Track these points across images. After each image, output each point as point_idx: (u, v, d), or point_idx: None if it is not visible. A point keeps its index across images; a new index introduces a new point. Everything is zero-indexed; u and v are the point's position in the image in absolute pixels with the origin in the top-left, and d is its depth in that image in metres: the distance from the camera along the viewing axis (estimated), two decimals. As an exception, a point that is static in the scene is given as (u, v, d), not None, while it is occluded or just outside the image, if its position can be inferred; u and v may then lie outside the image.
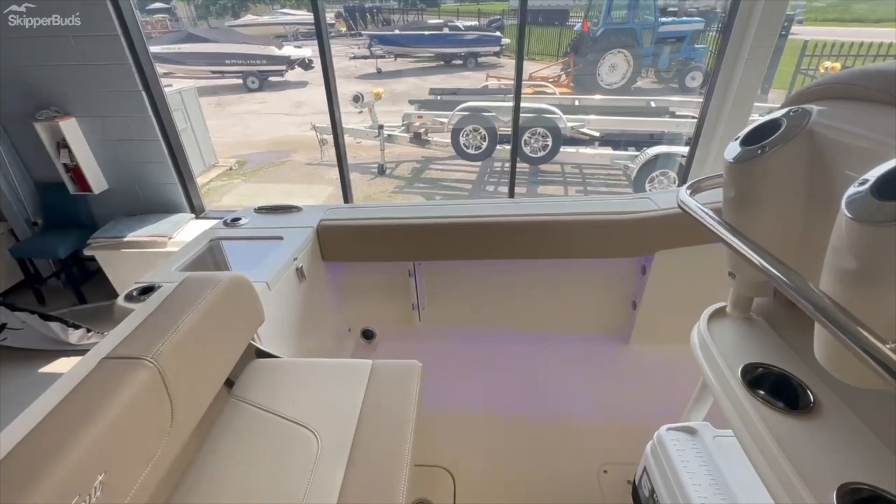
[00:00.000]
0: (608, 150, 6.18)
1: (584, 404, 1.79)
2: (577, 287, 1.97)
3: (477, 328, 2.10)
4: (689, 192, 0.80)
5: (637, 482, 1.26)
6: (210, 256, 1.64)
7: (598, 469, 1.53)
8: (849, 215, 0.49)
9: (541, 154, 6.30)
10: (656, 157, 5.39)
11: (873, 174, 0.49)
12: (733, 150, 0.72)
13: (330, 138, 6.82)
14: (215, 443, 1.08)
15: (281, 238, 1.67)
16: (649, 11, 9.87)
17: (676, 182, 5.52)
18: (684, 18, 10.64)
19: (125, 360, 0.86)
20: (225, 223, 1.80)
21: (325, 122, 6.79)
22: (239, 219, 1.82)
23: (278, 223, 1.79)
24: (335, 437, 1.08)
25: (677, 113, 6.50)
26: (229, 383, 1.25)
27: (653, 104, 6.97)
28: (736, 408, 0.81)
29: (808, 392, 0.78)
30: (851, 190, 0.50)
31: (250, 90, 11.03)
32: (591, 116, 6.36)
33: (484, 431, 1.70)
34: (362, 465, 1.03)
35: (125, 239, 2.87)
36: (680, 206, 0.79)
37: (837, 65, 6.21)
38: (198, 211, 3.31)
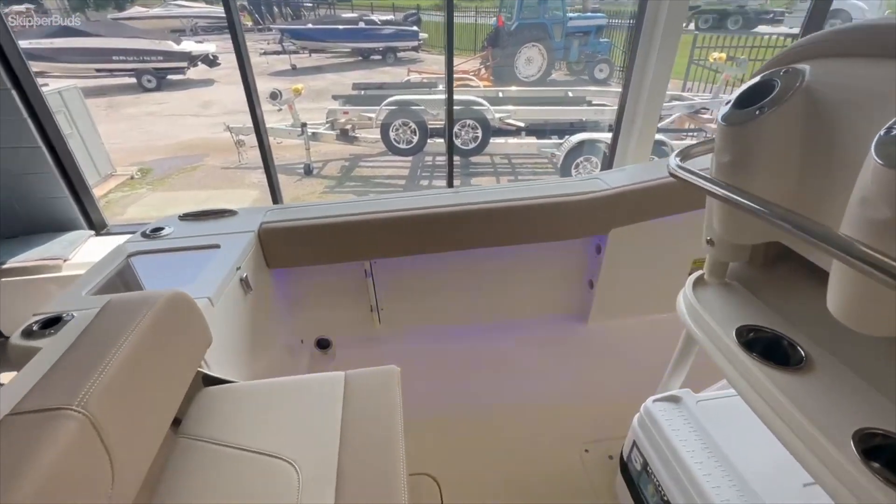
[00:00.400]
0: (534, 140, 6.41)
1: (554, 388, 1.79)
2: (535, 272, 1.97)
3: (440, 323, 2.02)
4: (678, 159, 0.79)
5: (626, 457, 1.27)
6: (130, 275, 1.39)
7: (580, 450, 1.54)
8: (880, 162, 0.48)
9: (472, 146, 6.36)
10: (581, 143, 5.67)
11: None
12: (728, 113, 0.71)
13: (248, 139, 6.34)
14: (171, 495, 0.90)
15: (217, 246, 1.46)
16: (558, 7, 10.38)
17: (599, 167, 5.85)
18: (589, 14, 11.37)
19: (41, 414, 0.67)
20: (144, 235, 1.54)
21: (239, 121, 6.31)
22: (161, 228, 1.57)
23: (211, 230, 1.57)
24: (317, 464, 0.95)
25: (594, 102, 6.90)
26: (175, 421, 1.06)
27: (570, 94, 7.34)
28: (738, 369, 0.82)
29: (799, 349, 0.81)
30: (880, 138, 0.50)
31: (147, 90, 9.88)
32: (516, 107, 6.53)
33: (461, 430, 1.64)
34: (353, 489, 0.91)
35: (5, 266, 2.38)
36: (672, 174, 0.78)
37: (723, 55, 6.99)
38: (98, 227, 2.85)
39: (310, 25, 12.91)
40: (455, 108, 6.24)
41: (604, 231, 1.81)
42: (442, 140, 6.38)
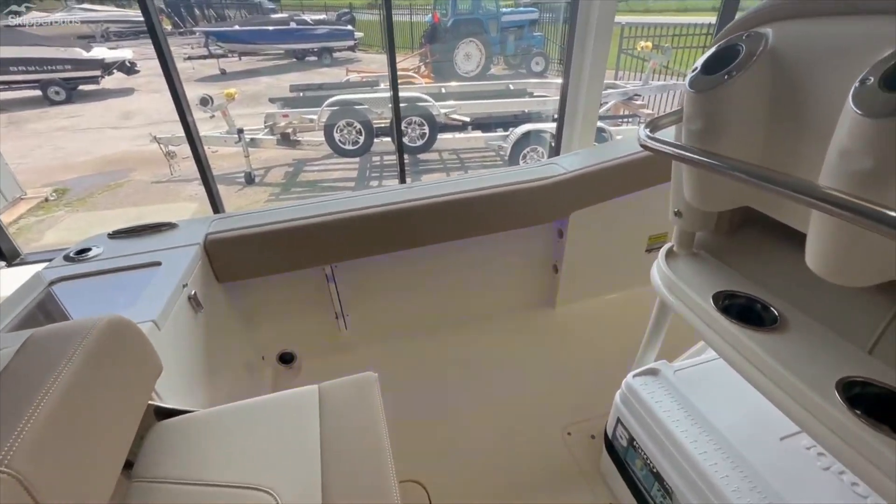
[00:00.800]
0: (480, 134, 6.45)
1: (530, 377, 1.79)
2: (500, 262, 1.96)
3: (409, 323, 1.96)
4: (647, 130, 0.78)
5: (610, 434, 1.28)
6: (53, 306, 1.22)
7: (562, 433, 1.54)
8: (859, 112, 0.49)
9: (419, 143, 6.30)
10: (526, 134, 5.77)
11: (875, 71, 0.50)
12: (696, 79, 0.71)
13: (179, 149, 5.90)
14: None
15: (158, 263, 1.31)
16: (492, 2, 10.54)
17: (546, 157, 6.00)
18: (521, 9, 11.64)
19: (-47, 482, 0.55)
20: (67, 258, 1.36)
21: (166, 131, 5.86)
22: (88, 249, 1.39)
23: (149, 246, 1.41)
24: (298, 488, 0.87)
25: (535, 94, 7.06)
26: (128, 465, 0.93)
27: (511, 87, 7.47)
28: (719, 333, 0.83)
29: (773, 309, 0.84)
30: (856, 89, 0.50)
31: (55, 102, 8.94)
32: (460, 102, 6.55)
33: (441, 430, 1.59)
34: (342, 511, 0.84)
35: None
36: (643, 146, 0.77)
37: (649, 43, 7.40)
38: (10, 256, 2.52)
39: (237, 27, 12.23)
40: (400, 105, 6.19)
41: (564, 215, 1.82)
42: (389, 139, 6.27)
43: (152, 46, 2.26)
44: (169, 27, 15.06)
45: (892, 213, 0.43)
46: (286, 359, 1.83)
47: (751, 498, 0.88)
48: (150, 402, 0.98)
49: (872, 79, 0.49)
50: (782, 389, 0.72)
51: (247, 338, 1.71)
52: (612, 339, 1.82)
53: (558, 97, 3.22)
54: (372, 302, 1.87)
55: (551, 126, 5.56)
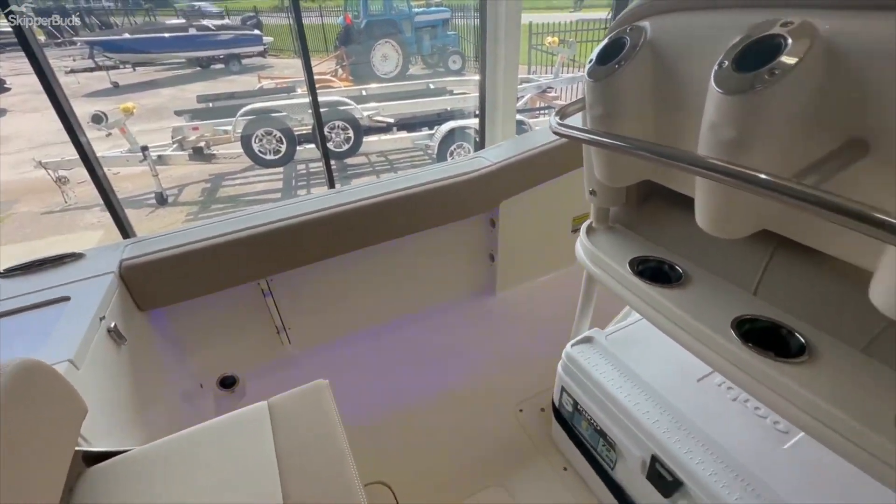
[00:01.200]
0: (406, 134, 6.48)
1: (478, 363, 1.85)
2: (437, 256, 2.00)
3: (354, 328, 1.94)
4: (558, 118, 0.86)
5: (556, 404, 1.37)
6: None
7: (514, 411, 1.62)
8: (720, 91, 0.58)
9: (345, 147, 6.19)
10: (451, 131, 5.88)
11: (728, 55, 0.59)
12: (592, 69, 0.79)
13: (72, 174, 5.29)
14: None
15: (67, 298, 1.19)
16: (403, 2, 10.57)
17: (472, 151, 6.16)
18: (433, 9, 11.79)
19: None
20: None
21: (54, 154, 5.23)
22: None
23: (52, 281, 1.27)
24: (258, 508, 0.84)
25: (455, 91, 7.21)
26: (57, 519, 0.84)
27: (432, 86, 7.56)
28: (637, 294, 0.94)
29: (678, 268, 0.95)
30: (716, 72, 0.60)
31: None
32: (382, 103, 6.52)
33: (398, 429, 1.60)
34: (307, 521, 0.83)
35: None
36: (555, 133, 0.84)
37: (556, 38, 7.86)
38: None
39: (126, 36, 11.14)
40: (321, 110, 6.02)
41: (494, 205, 1.91)
42: (313, 145, 6.08)
43: (25, 60, 2.02)
44: (42, 38, 13.34)
45: (758, 175, 0.52)
46: (227, 383, 1.74)
47: (678, 435, 1.00)
48: (76, 448, 0.90)
49: (727, 62, 0.59)
50: (690, 335, 0.83)
51: (180, 366, 1.60)
52: (551, 316, 1.94)
53: (478, 93, 3.33)
54: (313, 311, 1.83)
55: (474, 122, 5.72)
